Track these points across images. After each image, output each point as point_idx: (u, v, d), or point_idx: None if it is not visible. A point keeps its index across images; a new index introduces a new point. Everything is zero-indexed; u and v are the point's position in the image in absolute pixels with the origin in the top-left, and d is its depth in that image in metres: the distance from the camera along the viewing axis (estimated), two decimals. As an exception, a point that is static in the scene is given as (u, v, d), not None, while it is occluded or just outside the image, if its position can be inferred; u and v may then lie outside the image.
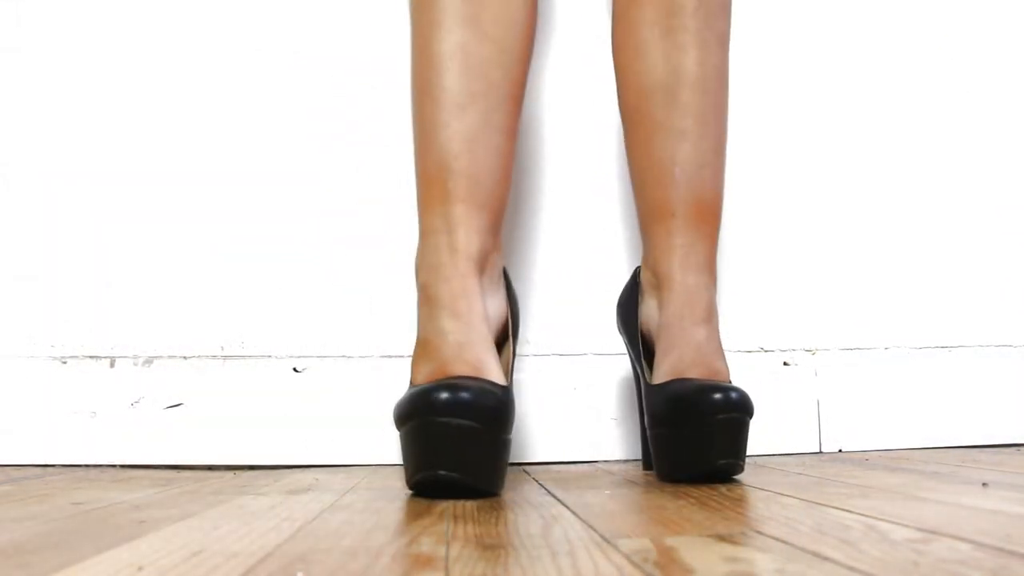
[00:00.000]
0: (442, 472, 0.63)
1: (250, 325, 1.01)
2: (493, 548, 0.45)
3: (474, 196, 0.75)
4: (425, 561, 0.42)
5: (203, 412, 0.98)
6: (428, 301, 0.73)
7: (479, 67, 0.76)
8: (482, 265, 0.75)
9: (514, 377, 1.00)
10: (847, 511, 0.54)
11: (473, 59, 0.76)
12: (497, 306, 0.77)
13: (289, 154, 1.04)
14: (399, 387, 0.97)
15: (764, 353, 1.04)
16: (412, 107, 0.78)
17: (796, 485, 0.69)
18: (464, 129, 0.76)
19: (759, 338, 1.05)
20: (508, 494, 0.69)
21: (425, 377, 0.69)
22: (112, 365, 1.00)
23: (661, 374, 0.78)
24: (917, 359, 1.06)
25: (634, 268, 0.91)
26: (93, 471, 0.93)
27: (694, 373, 0.76)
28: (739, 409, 0.72)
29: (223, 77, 1.04)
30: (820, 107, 1.08)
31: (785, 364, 1.04)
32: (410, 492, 0.70)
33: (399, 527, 0.53)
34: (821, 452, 1.02)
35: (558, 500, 0.65)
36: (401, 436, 0.67)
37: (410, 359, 0.78)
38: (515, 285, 1.03)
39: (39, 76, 1.03)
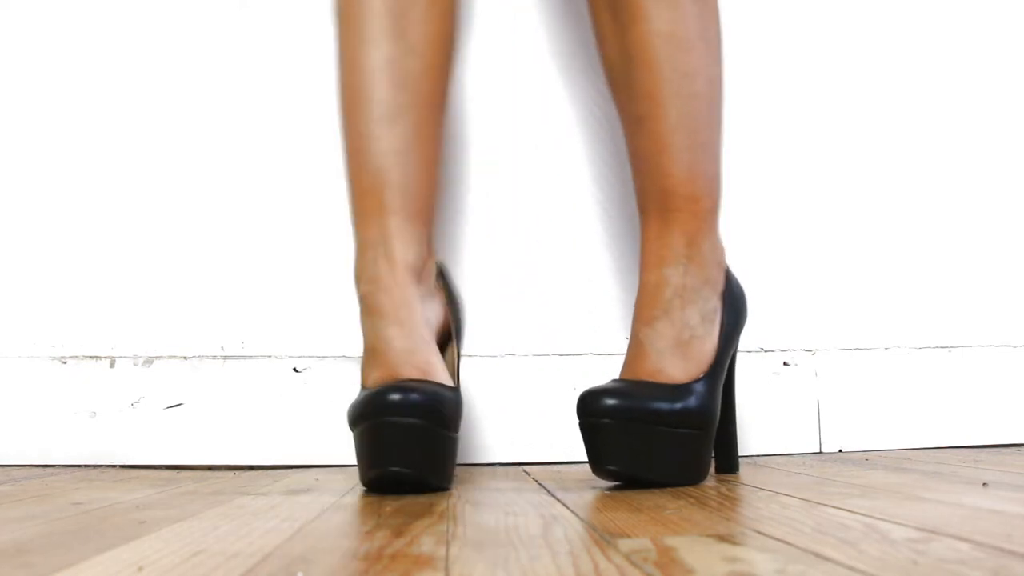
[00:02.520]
0: (394, 468, 0.68)
1: (250, 325, 1.01)
2: (493, 548, 0.45)
3: (407, 207, 0.78)
4: (425, 561, 0.42)
5: (203, 412, 0.98)
6: (371, 312, 0.76)
7: (407, 80, 0.78)
8: (419, 273, 0.78)
9: (508, 377, 1.00)
10: (847, 511, 0.54)
11: (401, 72, 0.78)
12: (436, 311, 0.81)
13: (289, 155, 1.04)
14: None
15: (764, 353, 1.04)
16: (341, 120, 0.80)
17: (796, 485, 0.69)
18: (395, 141, 0.78)
19: (759, 338, 1.05)
20: (508, 494, 0.69)
21: (375, 382, 0.73)
22: (112, 365, 1.00)
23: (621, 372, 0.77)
24: (917, 359, 1.06)
25: None
26: (93, 471, 0.93)
27: (630, 373, 0.75)
28: (624, 416, 0.70)
29: (223, 78, 1.04)
30: (820, 107, 1.08)
31: (785, 364, 1.04)
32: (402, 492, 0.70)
33: (399, 527, 0.53)
34: (821, 452, 1.02)
35: (558, 500, 0.65)
36: (355, 436, 0.71)
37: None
38: (508, 286, 1.03)
39: (38, 76, 1.03)
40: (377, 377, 0.73)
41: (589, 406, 0.71)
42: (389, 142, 0.78)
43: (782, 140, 1.08)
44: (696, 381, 0.74)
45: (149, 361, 1.00)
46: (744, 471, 0.82)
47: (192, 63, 1.04)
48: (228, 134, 1.04)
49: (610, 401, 0.70)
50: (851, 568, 0.38)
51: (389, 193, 0.78)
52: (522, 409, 0.98)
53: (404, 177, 0.78)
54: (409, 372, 0.72)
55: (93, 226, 1.02)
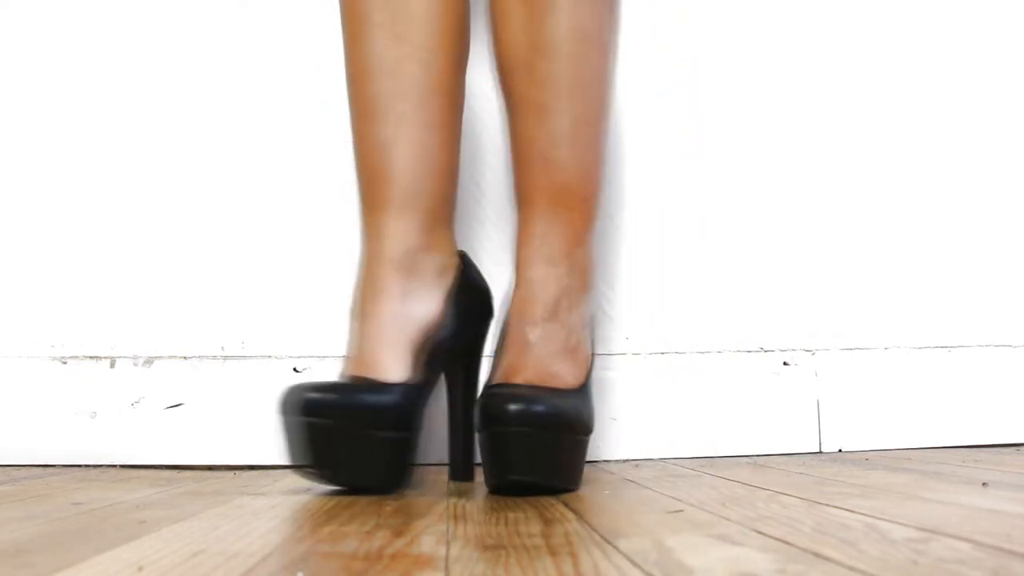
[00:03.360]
0: (302, 465, 0.70)
1: (250, 325, 1.01)
2: (493, 548, 0.45)
3: (396, 199, 0.77)
4: (425, 561, 0.42)
5: (203, 412, 0.98)
6: (352, 306, 0.78)
7: (392, 69, 0.77)
8: (408, 266, 0.77)
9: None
10: (847, 511, 0.54)
11: (387, 63, 0.77)
12: (425, 305, 0.77)
13: (290, 155, 1.04)
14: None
15: (764, 353, 1.04)
16: (350, 115, 0.81)
17: (796, 485, 0.69)
18: (383, 135, 0.78)
19: (759, 338, 1.05)
20: (508, 495, 0.69)
21: (339, 375, 0.76)
22: (112, 365, 1.00)
23: (495, 375, 0.74)
24: (917, 359, 1.06)
25: None
26: (93, 471, 0.93)
27: (521, 377, 0.71)
28: (534, 423, 0.67)
29: (224, 78, 1.04)
30: (820, 107, 1.08)
31: (785, 364, 1.04)
32: (417, 490, 0.70)
33: (399, 527, 0.53)
34: (821, 452, 1.02)
35: (558, 500, 0.65)
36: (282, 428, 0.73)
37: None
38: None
39: (38, 76, 1.03)
40: (342, 371, 0.76)
41: (494, 413, 0.67)
42: (375, 137, 0.78)
43: (781, 140, 1.08)
44: (583, 387, 0.73)
45: (149, 361, 1.00)
46: (744, 471, 0.82)
47: (192, 63, 1.04)
48: (228, 134, 1.03)
49: (516, 407, 0.67)
50: (851, 568, 0.38)
51: (377, 188, 0.78)
52: (522, 409, 0.98)
53: (391, 169, 0.77)
54: (354, 369, 0.73)
55: (93, 226, 1.02)
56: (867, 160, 1.09)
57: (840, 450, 1.02)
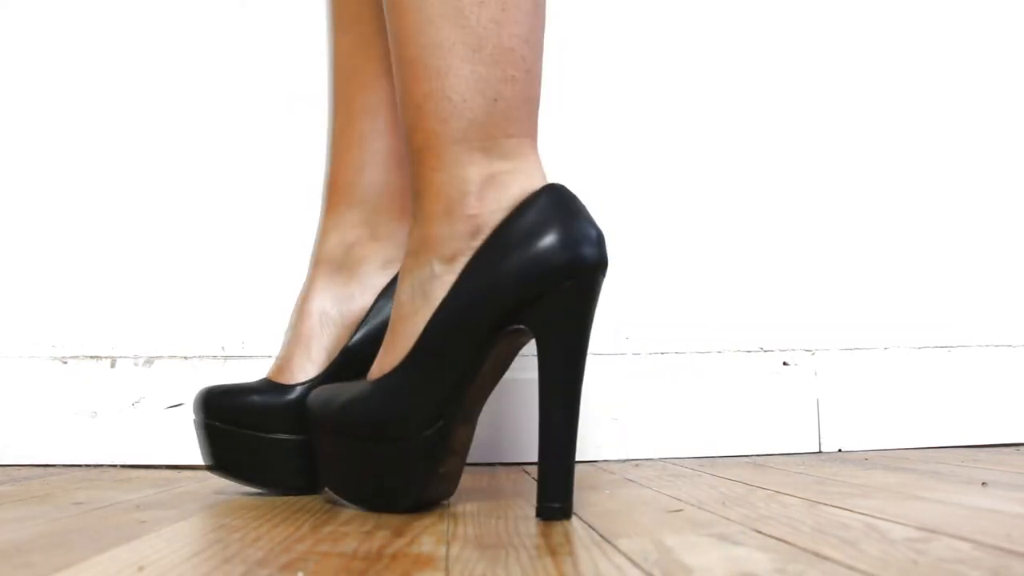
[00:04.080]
0: (208, 464, 0.73)
1: (251, 325, 1.01)
2: (493, 548, 0.45)
3: (334, 193, 0.78)
4: (425, 561, 0.42)
5: (203, 412, 0.98)
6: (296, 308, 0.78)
7: (341, 62, 0.78)
8: (342, 263, 0.76)
9: (508, 377, 0.99)
10: (847, 510, 0.54)
11: (340, 58, 0.78)
12: (357, 300, 0.76)
13: (290, 155, 1.03)
14: (399, 387, 0.97)
15: (764, 353, 1.04)
16: None
17: (796, 484, 0.69)
18: (333, 129, 0.79)
19: (759, 338, 1.05)
20: (508, 494, 0.69)
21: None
22: (113, 365, 1.00)
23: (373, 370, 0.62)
24: (917, 359, 1.06)
25: None
26: (94, 471, 0.93)
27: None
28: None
29: (224, 78, 1.04)
30: (821, 107, 1.08)
31: (785, 364, 1.04)
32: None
33: (399, 527, 0.53)
34: (821, 452, 1.02)
35: (558, 500, 0.65)
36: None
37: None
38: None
39: (38, 76, 1.03)
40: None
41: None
42: (331, 134, 0.79)
43: (782, 140, 1.07)
44: (382, 377, 0.59)
45: (149, 361, 1.00)
46: (744, 471, 0.82)
47: (193, 64, 1.04)
48: (228, 135, 1.03)
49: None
50: (851, 568, 0.38)
51: (325, 186, 0.79)
52: (522, 409, 0.98)
53: (333, 165, 0.79)
54: (271, 371, 0.75)
55: (93, 226, 1.02)
56: (867, 160, 1.09)
57: (840, 450, 1.02)
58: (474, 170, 0.57)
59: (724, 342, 1.04)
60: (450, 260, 0.57)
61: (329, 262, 0.76)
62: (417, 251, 0.58)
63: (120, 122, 1.03)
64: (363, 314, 0.75)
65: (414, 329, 0.58)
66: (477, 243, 0.56)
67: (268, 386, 0.73)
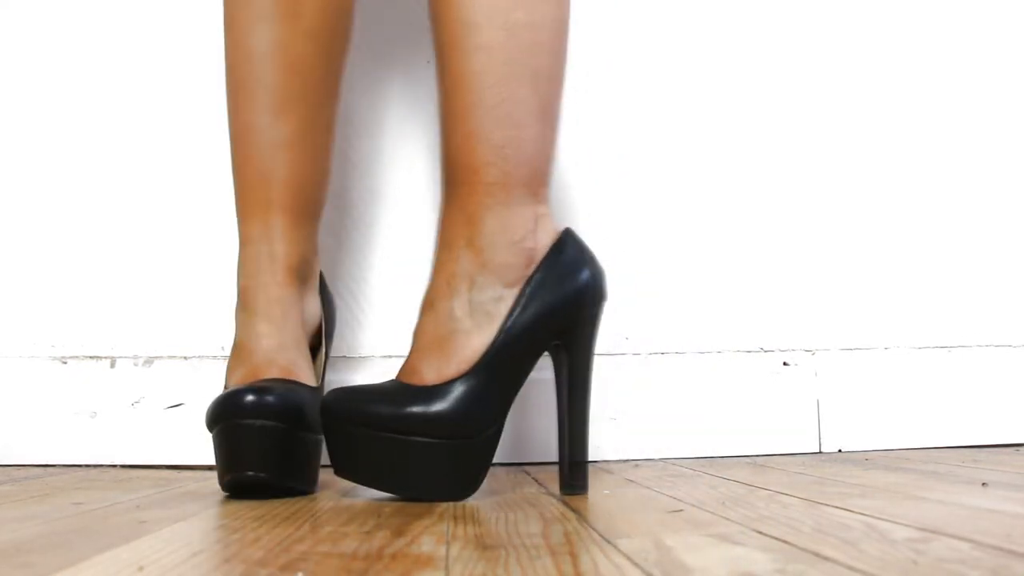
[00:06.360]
0: (250, 473, 0.66)
1: (250, 325, 1.01)
2: (493, 548, 0.45)
3: (294, 205, 0.76)
4: (425, 561, 0.42)
5: (203, 412, 0.98)
6: (246, 307, 0.75)
7: (299, 66, 0.73)
8: (302, 272, 0.77)
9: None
10: (847, 511, 0.54)
11: (293, 57, 0.73)
12: (313, 310, 0.79)
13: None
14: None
15: (764, 353, 1.04)
16: (228, 106, 0.76)
17: (796, 485, 0.69)
18: (286, 133, 0.74)
19: (759, 338, 1.05)
20: (508, 494, 0.69)
21: (237, 380, 0.72)
22: (112, 365, 1.00)
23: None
24: (917, 359, 1.06)
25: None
26: (93, 471, 0.93)
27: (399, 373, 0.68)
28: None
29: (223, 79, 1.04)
30: (821, 107, 1.08)
31: (785, 364, 1.04)
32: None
33: (399, 527, 0.53)
34: (821, 452, 1.02)
35: (558, 500, 0.65)
36: (212, 438, 0.69)
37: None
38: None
39: (38, 76, 1.03)
40: (240, 376, 0.72)
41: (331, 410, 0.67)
42: (277, 133, 0.74)
43: (781, 142, 1.07)
44: (449, 383, 0.65)
45: (149, 361, 1.00)
46: (744, 471, 0.82)
47: (193, 64, 1.04)
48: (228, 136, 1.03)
49: (329, 405, 0.66)
50: (851, 568, 0.38)
51: (276, 190, 0.75)
52: (523, 409, 0.98)
53: (292, 172, 0.75)
54: (272, 372, 0.71)
55: (93, 226, 1.02)
56: (867, 161, 1.09)
57: (840, 450, 1.02)
58: (532, 210, 0.67)
59: (724, 342, 1.04)
60: (511, 285, 0.67)
61: (294, 272, 0.77)
62: (474, 274, 0.66)
63: (120, 122, 1.03)
64: (319, 324, 0.79)
65: (479, 342, 0.66)
66: (529, 272, 0.67)
67: (298, 386, 0.72)
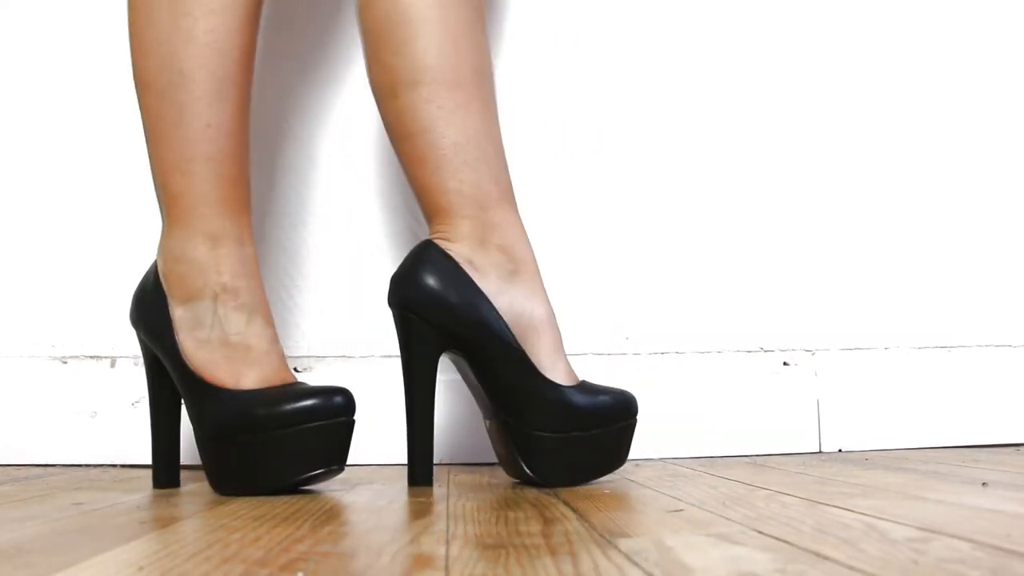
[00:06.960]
0: (335, 466, 0.72)
1: (250, 325, 1.01)
2: (493, 548, 0.45)
3: (245, 198, 0.75)
4: (425, 561, 0.42)
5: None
6: (243, 306, 0.73)
7: (225, 48, 0.73)
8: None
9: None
10: (847, 511, 0.54)
11: (216, 39, 0.72)
12: None
13: (289, 156, 1.04)
14: (400, 387, 0.97)
15: (764, 353, 1.04)
16: (139, 93, 0.78)
17: (796, 485, 0.69)
18: (226, 122, 0.73)
19: (759, 338, 1.05)
20: (508, 494, 0.69)
21: (257, 382, 0.72)
22: (113, 365, 1.00)
23: (561, 374, 0.75)
24: (917, 359, 1.06)
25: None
26: (94, 471, 0.93)
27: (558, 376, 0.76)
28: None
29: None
30: (820, 107, 1.08)
31: (785, 364, 1.04)
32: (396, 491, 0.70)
33: (399, 527, 0.53)
34: (821, 452, 1.02)
35: (558, 500, 0.65)
36: (288, 438, 0.70)
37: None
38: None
39: (38, 76, 1.03)
40: (257, 378, 0.72)
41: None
42: (221, 122, 0.73)
43: (781, 141, 1.07)
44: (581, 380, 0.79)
45: (149, 361, 1.00)
46: (744, 471, 0.82)
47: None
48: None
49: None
50: (851, 568, 0.38)
51: (241, 187, 0.75)
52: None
53: (242, 165, 0.74)
54: (288, 374, 0.74)
55: (94, 226, 1.02)
56: (867, 161, 1.09)
57: (840, 450, 1.02)
58: None
59: (724, 342, 1.04)
60: None
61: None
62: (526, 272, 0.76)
63: (119, 123, 1.03)
64: None
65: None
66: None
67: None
